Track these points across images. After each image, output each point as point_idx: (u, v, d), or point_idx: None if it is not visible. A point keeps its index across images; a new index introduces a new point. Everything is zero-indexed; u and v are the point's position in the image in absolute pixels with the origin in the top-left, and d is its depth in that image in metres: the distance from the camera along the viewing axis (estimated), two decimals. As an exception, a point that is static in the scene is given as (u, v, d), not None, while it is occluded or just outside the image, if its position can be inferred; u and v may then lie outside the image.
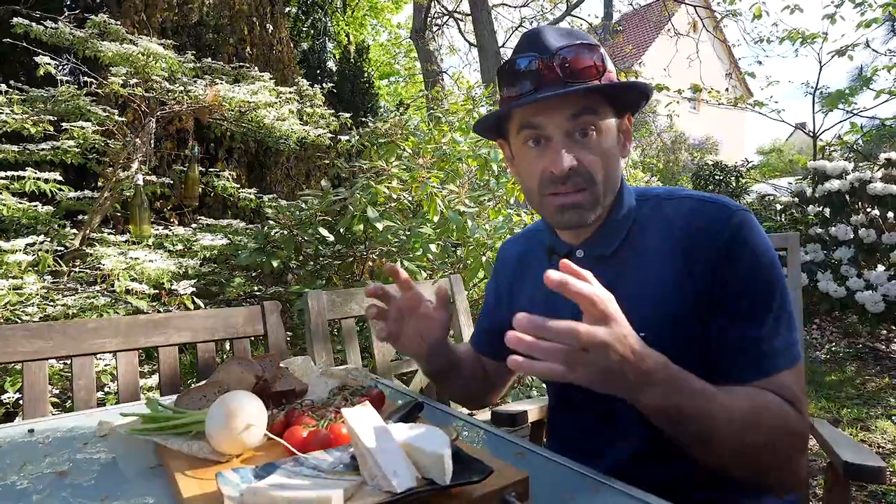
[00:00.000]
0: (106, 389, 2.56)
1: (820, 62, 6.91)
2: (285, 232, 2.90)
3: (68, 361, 1.27)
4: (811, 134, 6.80)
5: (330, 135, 4.26)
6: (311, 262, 3.23)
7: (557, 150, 0.86)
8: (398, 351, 1.02)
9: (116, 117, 3.28)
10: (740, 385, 0.82)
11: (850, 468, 0.94)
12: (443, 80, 9.32)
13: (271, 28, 5.62)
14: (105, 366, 2.54)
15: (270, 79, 3.88)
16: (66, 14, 3.30)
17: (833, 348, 4.23)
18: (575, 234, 0.97)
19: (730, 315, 0.84)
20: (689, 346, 0.88)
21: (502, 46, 8.42)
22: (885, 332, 4.46)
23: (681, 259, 0.87)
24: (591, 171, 0.87)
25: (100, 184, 3.59)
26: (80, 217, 3.47)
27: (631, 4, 10.38)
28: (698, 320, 0.87)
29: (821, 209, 4.76)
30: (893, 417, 2.97)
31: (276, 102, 3.67)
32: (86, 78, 3.25)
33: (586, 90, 0.85)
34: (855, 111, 6.67)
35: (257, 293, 3.58)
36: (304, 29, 8.49)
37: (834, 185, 4.58)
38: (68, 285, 2.81)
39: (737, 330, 0.83)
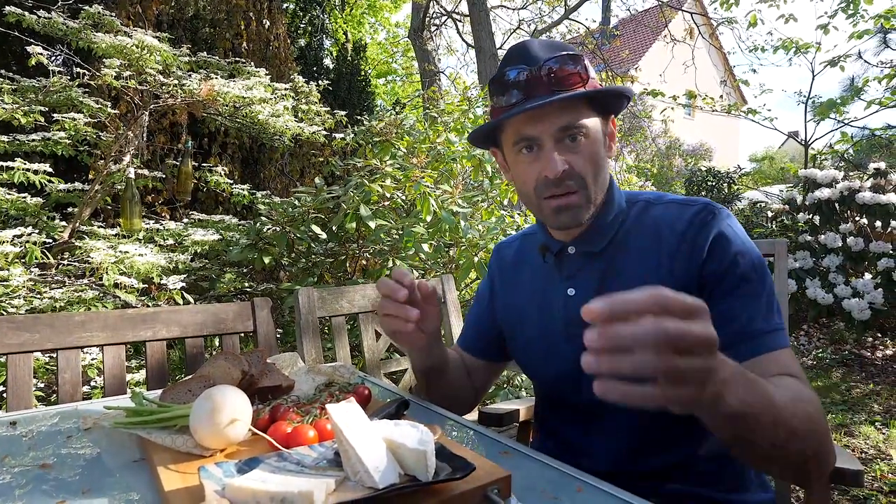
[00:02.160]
0: (92, 384, 2.54)
1: (813, 72, 6.98)
2: (278, 229, 2.89)
3: (54, 355, 1.26)
4: (803, 142, 6.86)
5: (325, 132, 4.25)
6: (304, 260, 3.22)
7: (550, 156, 0.90)
8: (401, 346, 1.01)
9: (109, 109, 3.26)
10: (742, 362, 0.78)
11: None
12: (440, 80, 9.31)
13: (268, 24, 5.60)
14: (91, 360, 2.52)
15: (266, 74, 3.87)
16: (59, 4, 3.27)
17: (820, 354, 4.27)
18: (567, 232, 1.00)
19: (723, 299, 0.86)
20: None
21: (500, 48, 8.44)
22: (870, 339, 4.51)
23: (666, 259, 0.91)
24: (581, 173, 0.92)
25: (90, 176, 3.57)
26: (69, 209, 3.44)
27: (628, 10, 10.42)
28: None
29: (811, 217, 4.81)
30: (876, 423, 3.00)
31: (271, 98, 3.66)
32: (78, 69, 3.23)
33: (572, 97, 0.90)
34: (846, 121, 6.74)
35: (248, 290, 3.57)
36: (302, 25, 8.47)
37: (824, 193, 4.63)
38: (56, 278, 2.79)
39: (733, 307, 0.85)
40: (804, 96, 6.92)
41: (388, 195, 2.93)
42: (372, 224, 2.66)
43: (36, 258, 2.65)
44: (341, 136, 4.03)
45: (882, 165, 4.66)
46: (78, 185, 3.31)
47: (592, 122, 0.93)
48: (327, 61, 8.28)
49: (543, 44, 0.95)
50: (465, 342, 1.23)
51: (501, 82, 0.93)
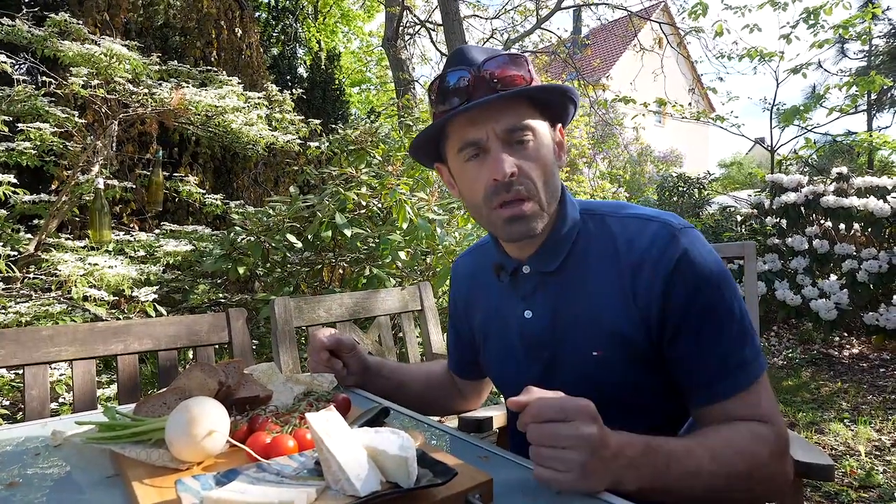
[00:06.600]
0: (60, 401, 2.47)
1: (777, 79, 7.20)
2: (252, 238, 2.85)
3: (20, 371, 1.22)
4: (769, 148, 7.06)
5: (299, 141, 4.22)
6: (279, 270, 3.19)
7: (497, 156, 0.85)
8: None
9: (76, 119, 3.18)
10: (715, 403, 0.83)
11: (801, 467, 0.98)
12: (414, 88, 9.33)
13: (240, 32, 5.55)
14: (60, 376, 2.45)
15: (239, 83, 3.83)
16: (24, 11, 3.19)
17: (790, 354, 4.38)
18: (521, 249, 0.96)
19: (691, 336, 0.84)
20: (643, 367, 0.88)
21: (473, 57, 8.47)
22: (837, 338, 4.64)
23: (628, 281, 0.87)
24: (532, 177, 0.87)
25: (55, 187, 3.48)
26: (35, 221, 3.35)
27: (599, 20, 10.60)
28: (651, 343, 0.86)
29: (778, 220, 4.94)
30: (845, 420, 3.08)
31: (244, 107, 3.62)
32: (44, 78, 3.15)
33: (516, 95, 0.86)
34: (809, 127, 6.96)
35: (222, 300, 3.51)
36: (275, 34, 8.42)
37: (790, 197, 4.76)
38: (22, 292, 2.71)
39: (701, 350, 0.83)
40: (769, 103, 7.14)
41: (363, 203, 2.92)
42: (348, 232, 2.64)
43: (0, 272, 2.57)
44: (316, 144, 4.01)
45: (844, 170, 4.82)
46: (44, 196, 3.22)
47: (540, 126, 0.89)
48: (301, 70, 8.24)
49: (483, 49, 0.91)
50: (451, 365, 1.26)
51: (442, 87, 0.88)
